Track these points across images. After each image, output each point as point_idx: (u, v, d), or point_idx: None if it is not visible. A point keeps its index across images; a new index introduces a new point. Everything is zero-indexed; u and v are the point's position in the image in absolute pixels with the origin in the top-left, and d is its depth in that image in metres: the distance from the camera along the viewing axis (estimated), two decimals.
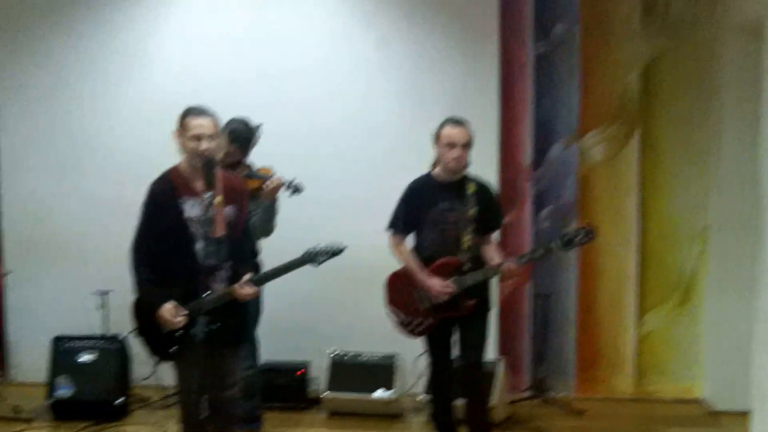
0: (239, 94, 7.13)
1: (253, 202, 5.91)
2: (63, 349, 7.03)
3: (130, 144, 7.43)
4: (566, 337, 7.41)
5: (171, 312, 5.00)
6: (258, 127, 6.31)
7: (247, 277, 5.03)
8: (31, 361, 7.53)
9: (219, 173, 5.06)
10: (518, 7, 7.30)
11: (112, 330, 7.13)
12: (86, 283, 7.32)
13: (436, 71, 7.33)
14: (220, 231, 4.94)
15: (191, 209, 5.05)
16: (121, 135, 7.53)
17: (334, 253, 5.10)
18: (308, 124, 7.37)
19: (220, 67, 7.38)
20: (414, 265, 5.70)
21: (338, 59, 7.41)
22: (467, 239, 5.58)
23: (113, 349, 7.03)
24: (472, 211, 5.59)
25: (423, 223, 5.70)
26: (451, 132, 5.62)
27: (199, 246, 5.02)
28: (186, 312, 5.00)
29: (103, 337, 7.12)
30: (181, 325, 5.02)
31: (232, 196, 5.10)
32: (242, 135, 6.20)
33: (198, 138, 5.01)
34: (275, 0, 7.41)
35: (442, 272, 5.61)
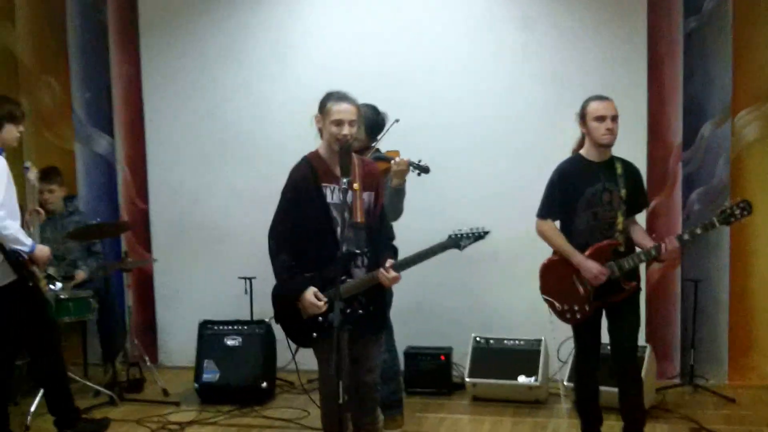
0: (382, 84, 7.06)
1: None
2: (210, 334, 7.14)
3: (275, 135, 7.47)
4: (718, 323, 7.16)
5: (312, 298, 4.99)
6: (385, 114, 6.25)
7: (390, 262, 4.98)
8: (180, 345, 7.72)
9: (355, 160, 5.02)
10: None
11: (258, 315, 7.21)
12: (232, 270, 7.44)
13: (581, 51, 7.14)
14: (359, 217, 4.92)
15: (332, 195, 5.03)
16: (266, 126, 7.59)
17: (478, 237, 5.00)
18: (451, 110, 7.29)
19: (363, 57, 7.36)
20: (569, 249, 5.49)
21: (481, 43, 7.29)
22: (621, 221, 5.40)
23: (259, 334, 7.09)
24: (623, 192, 5.42)
25: (576, 205, 5.49)
26: (598, 106, 5.44)
27: (340, 232, 4.99)
28: (326, 298, 4.99)
29: (248, 322, 7.19)
30: (322, 311, 5.01)
31: (368, 182, 5.06)
32: (370, 121, 6.16)
33: (339, 123, 4.96)
34: None
35: (600, 256, 5.40)
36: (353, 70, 7.18)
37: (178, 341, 7.80)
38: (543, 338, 6.81)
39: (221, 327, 7.14)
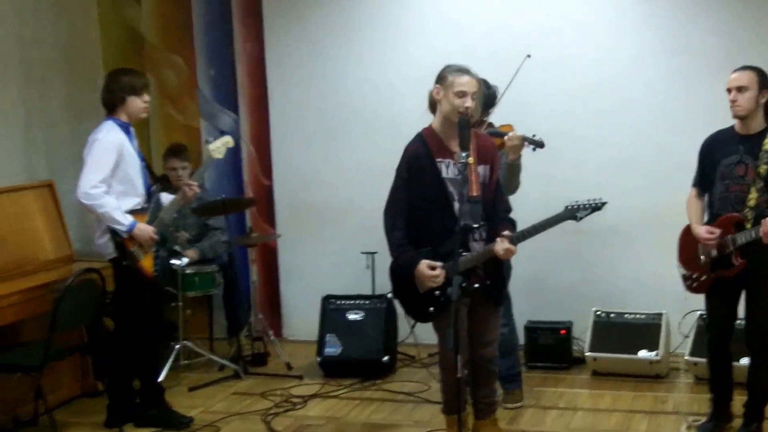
0: (501, 56, 6.84)
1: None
2: (332, 308, 7.18)
3: (395, 109, 7.42)
4: None
5: (425, 269, 4.96)
6: (496, 87, 6.14)
7: (506, 234, 4.91)
8: (303, 319, 7.77)
9: (472, 133, 4.98)
10: None
11: (379, 290, 7.20)
12: (354, 245, 7.46)
13: (707, 20, 6.87)
14: (475, 191, 4.86)
15: (447, 169, 5.02)
16: (386, 101, 7.56)
17: (595, 208, 4.92)
18: (575, 82, 7.14)
19: (480, 29, 7.27)
20: (692, 217, 5.45)
21: (603, 15, 7.12)
22: (754, 196, 5.18)
23: (380, 309, 7.10)
24: (764, 167, 5.19)
25: (714, 176, 5.37)
26: (729, 77, 5.31)
27: (456, 206, 4.97)
28: (440, 265, 4.94)
29: (370, 297, 7.21)
30: (439, 284, 4.97)
31: (483, 155, 5.04)
32: (482, 95, 6.04)
33: (463, 95, 4.96)
34: None
35: (723, 229, 5.27)
36: (469, 42, 7.16)
37: (300, 315, 7.86)
38: (664, 312, 6.65)
39: (343, 302, 7.18)
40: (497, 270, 5.12)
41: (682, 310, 6.58)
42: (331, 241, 7.78)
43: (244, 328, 7.42)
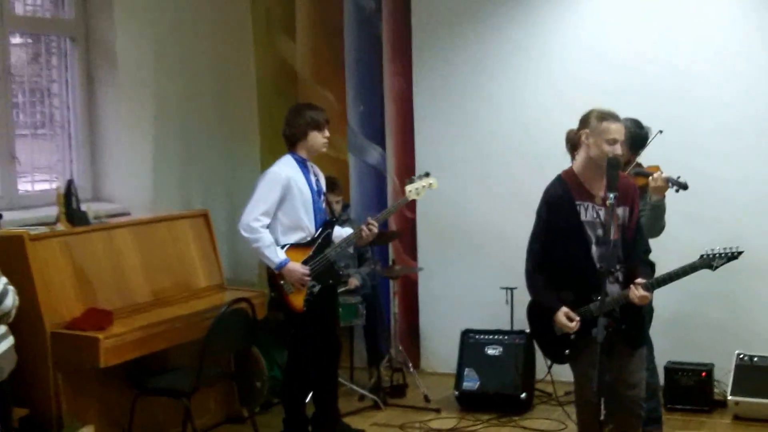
0: (646, 85, 7.15)
1: (641, 200, 5.82)
2: (471, 342, 7.25)
3: (538, 143, 7.48)
4: None
5: (563, 319, 5.04)
6: (648, 128, 6.17)
7: (640, 281, 4.95)
8: (442, 352, 7.88)
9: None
10: None
11: (518, 325, 7.23)
12: (494, 279, 7.50)
13: None
14: (614, 233, 4.89)
15: (586, 212, 5.07)
16: (530, 134, 7.62)
17: (731, 257, 4.91)
18: (716, 120, 7.10)
19: (622, 70, 7.31)
20: None
21: (747, 44, 7.06)
22: None
23: (519, 344, 7.14)
24: None
25: None
26: None
27: (594, 249, 5.02)
28: (578, 317, 5.01)
29: (509, 332, 7.26)
30: (575, 329, 5.04)
31: (624, 196, 5.05)
32: (634, 135, 6.08)
33: (614, 142, 5.00)
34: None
35: None
36: (612, 82, 7.23)
37: (439, 348, 7.96)
38: None
39: (482, 336, 7.24)
40: (636, 312, 5.11)
41: None
42: (471, 274, 7.86)
43: (385, 359, 7.56)
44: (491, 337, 7.23)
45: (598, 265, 4.95)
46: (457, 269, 7.92)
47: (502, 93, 7.72)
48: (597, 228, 5.00)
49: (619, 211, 5.02)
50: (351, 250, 6.87)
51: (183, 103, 7.48)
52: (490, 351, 7.17)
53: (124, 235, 6.21)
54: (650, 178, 5.82)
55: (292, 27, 8.31)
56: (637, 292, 4.91)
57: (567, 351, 5.14)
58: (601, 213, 4.98)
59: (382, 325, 7.74)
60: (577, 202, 5.07)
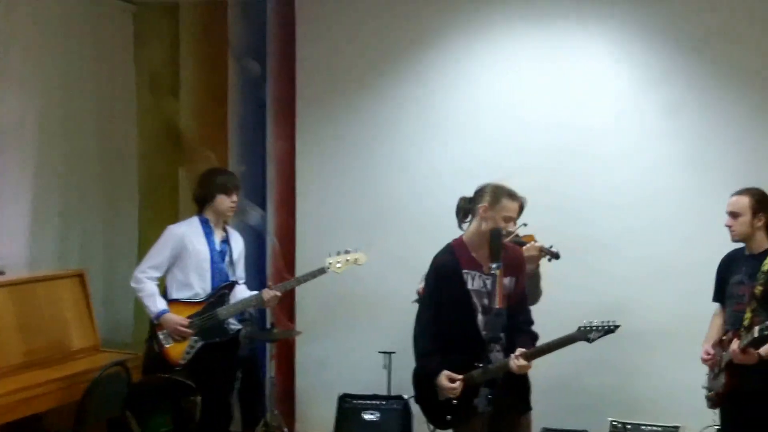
0: (527, 154, 7.29)
1: None
2: (348, 407, 7.26)
3: (426, 204, 7.56)
4: None
5: (444, 381, 5.13)
6: (523, 198, 6.32)
7: (520, 351, 5.07)
8: (319, 416, 7.77)
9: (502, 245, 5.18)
10: None
11: (396, 390, 7.27)
12: (372, 344, 7.51)
13: (725, 139, 7.05)
14: (499, 303, 4.99)
15: (473, 281, 5.21)
16: (418, 197, 7.68)
17: (608, 330, 5.10)
18: (592, 185, 7.29)
19: (521, 127, 7.43)
20: (708, 333, 5.75)
21: (628, 124, 7.27)
22: (748, 317, 5.33)
23: (396, 410, 7.16)
24: (759, 288, 5.33)
25: (726, 293, 5.63)
26: (728, 201, 5.63)
27: (480, 317, 5.15)
28: (460, 378, 5.11)
29: (387, 397, 7.27)
30: (456, 394, 5.12)
31: (510, 267, 5.19)
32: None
33: (509, 219, 5.26)
34: (574, 64, 7.36)
35: (721, 347, 5.51)
36: (505, 149, 7.36)
37: (316, 412, 7.87)
38: (681, 426, 6.71)
39: (360, 401, 7.25)
40: (522, 380, 5.28)
41: (700, 424, 6.64)
42: (350, 338, 7.84)
43: (260, 423, 7.47)
44: (368, 402, 7.24)
45: (483, 333, 5.07)
46: (335, 333, 7.90)
47: (389, 157, 7.78)
48: (483, 297, 5.15)
49: (506, 281, 5.16)
50: (253, 312, 6.90)
51: (64, 162, 7.41)
52: (367, 416, 7.18)
53: (1, 295, 6.08)
54: (524, 247, 5.97)
55: (177, 88, 8.28)
56: (516, 362, 5.03)
57: (448, 417, 5.25)
58: (488, 282, 5.12)
59: (258, 389, 7.68)
60: (465, 271, 5.22)
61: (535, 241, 6.10)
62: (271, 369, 7.52)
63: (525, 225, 6.03)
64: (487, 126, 7.51)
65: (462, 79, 7.58)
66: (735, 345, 5.25)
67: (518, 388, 5.28)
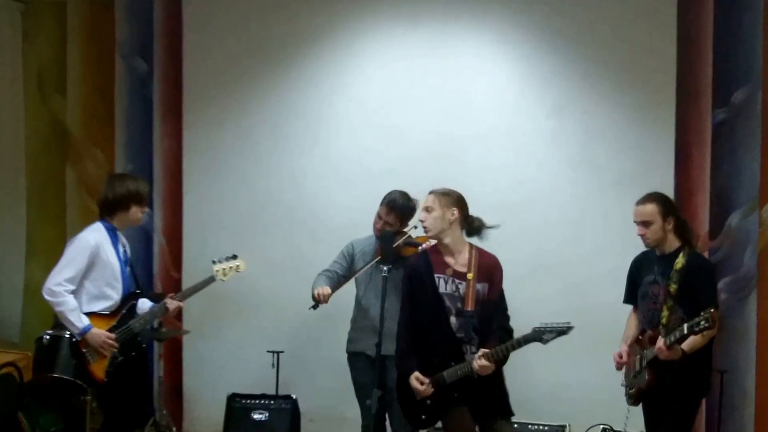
0: (416, 157, 7.39)
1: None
2: (237, 407, 7.28)
3: (310, 205, 7.67)
4: (743, 415, 7.11)
5: (414, 382, 5.39)
6: (416, 201, 6.43)
7: (481, 352, 5.26)
8: (207, 415, 7.80)
9: (474, 251, 5.47)
10: (697, 75, 7.15)
11: (284, 390, 7.33)
12: (261, 342, 7.56)
13: (610, 139, 7.28)
14: (470, 306, 5.30)
15: (445, 285, 5.42)
16: (302, 196, 7.75)
17: (561, 332, 5.21)
18: (481, 187, 7.31)
19: (399, 130, 7.54)
20: (625, 334, 5.92)
21: (513, 126, 7.43)
22: (665, 315, 5.54)
23: (285, 409, 7.22)
24: (673, 287, 5.53)
25: (638, 294, 5.82)
26: (634, 209, 5.77)
27: (453, 320, 5.36)
28: (428, 380, 5.37)
29: (275, 397, 7.31)
30: (426, 394, 5.37)
31: (483, 273, 5.41)
32: (400, 206, 6.39)
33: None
34: (455, 67, 7.49)
35: (640, 345, 5.71)
36: (390, 140, 7.51)
37: (205, 412, 7.88)
38: (567, 424, 6.85)
39: (249, 401, 7.28)
40: (496, 381, 5.43)
41: (587, 423, 6.78)
42: (237, 337, 7.86)
43: (149, 422, 7.42)
44: (257, 401, 7.27)
45: (456, 335, 5.32)
46: (224, 332, 7.90)
47: (275, 158, 7.81)
48: (456, 300, 5.36)
49: (479, 286, 5.39)
50: (155, 323, 6.83)
51: None
52: (256, 416, 7.22)
53: None
54: (420, 247, 6.07)
55: (64, 86, 8.20)
56: (478, 362, 5.20)
57: (423, 416, 5.47)
58: (460, 286, 5.34)
59: (147, 388, 7.63)
60: (437, 275, 5.43)
61: (429, 242, 6.18)
62: (159, 368, 7.47)
63: (416, 227, 6.18)
64: (367, 129, 7.63)
65: (342, 80, 7.68)
66: (660, 342, 5.39)
67: (495, 389, 5.45)
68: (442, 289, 5.42)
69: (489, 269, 5.47)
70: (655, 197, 5.72)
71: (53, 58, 8.21)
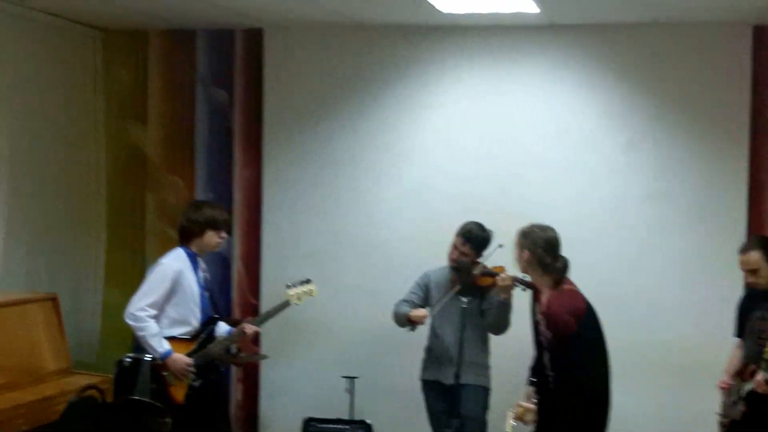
0: (489, 191, 7.54)
1: (487, 300, 6.24)
2: (313, 431, 7.36)
3: (385, 236, 7.81)
4: None
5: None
6: (491, 231, 6.57)
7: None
8: None
9: (551, 294, 5.66)
10: None
11: (359, 415, 7.44)
12: (336, 368, 7.69)
13: (683, 173, 7.36)
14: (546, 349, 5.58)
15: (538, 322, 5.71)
16: (376, 227, 7.88)
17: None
18: (553, 222, 7.43)
19: (474, 164, 7.67)
20: (728, 366, 6.00)
21: (585, 160, 7.54)
22: (767, 351, 5.59)
23: None
24: None
25: (746, 328, 5.87)
26: (738, 258, 5.87)
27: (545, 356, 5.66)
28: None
29: (350, 422, 7.40)
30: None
31: (548, 318, 5.62)
32: (476, 236, 6.51)
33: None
34: (526, 102, 7.62)
35: (742, 378, 5.78)
36: (462, 181, 7.62)
37: None
38: None
39: (324, 425, 7.37)
40: None
41: None
42: (314, 362, 7.99)
43: None
44: (333, 426, 7.36)
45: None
46: (300, 357, 8.04)
47: (351, 189, 7.96)
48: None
49: (546, 332, 5.63)
50: (233, 348, 6.98)
51: (33, 186, 7.50)
52: None
53: None
54: (498, 277, 6.19)
55: (145, 114, 8.39)
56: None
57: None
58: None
59: (225, 412, 7.75)
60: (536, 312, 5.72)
61: (506, 272, 6.30)
62: (236, 392, 7.61)
63: (501, 245, 6.31)
64: (441, 162, 7.76)
65: (420, 114, 7.83)
66: (760, 376, 5.48)
67: None
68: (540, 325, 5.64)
69: (549, 316, 5.62)
70: (756, 244, 5.84)
71: (134, 86, 8.38)
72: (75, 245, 8.03)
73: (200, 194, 8.28)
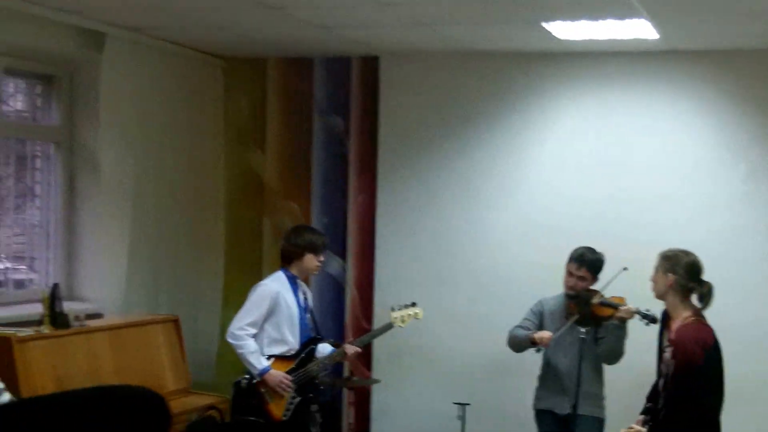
0: (603, 219, 7.50)
1: (603, 329, 6.20)
2: None
3: (498, 263, 7.84)
4: None
5: None
6: (602, 254, 6.53)
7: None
8: None
9: (683, 324, 5.43)
10: None
11: None
12: (446, 394, 7.70)
13: None
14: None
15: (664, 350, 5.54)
16: (490, 254, 7.92)
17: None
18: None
19: (587, 191, 7.66)
20: None
21: (701, 188, 7.47)
22: None
23: None
24: None
25: None
26: None
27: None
28: None
29: None
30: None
31: (675, 349, 5.37)
32: (590, 259, 6.48)
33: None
34: (641, 128, 7.59)
35: None
36: (575, 210, 7.61)
37: None
38: None
39: None
40: None
41: None
42: (425, 387, 8.04)
43: None
44: None
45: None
46: (411, 382, 8.09)
47: (464, 214, 8.01)
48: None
49: (670, 363, 5.38)
50: (347, 373, 7.08)
51: (155, 210, 7.72)
52: None
53: (101, 339, 6.39)
54: (618, 309, 6.16)
55: (263, 140, 8.58)
56: None
57: None
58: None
59: None
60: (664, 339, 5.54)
61: (627, 304, 6.25)
62: (348, 416, 7.69)
63: (625, 269, 6.21)
64: (553, 189, 7.77)
65: (535, 138, 7.85)
66: None
67: None
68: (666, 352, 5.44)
69: (677, 345, 5.33)
70: None
71: (253, 113, 8.59)
72: (195, 268, 8.24)
73: (315, 219, 8.43)
